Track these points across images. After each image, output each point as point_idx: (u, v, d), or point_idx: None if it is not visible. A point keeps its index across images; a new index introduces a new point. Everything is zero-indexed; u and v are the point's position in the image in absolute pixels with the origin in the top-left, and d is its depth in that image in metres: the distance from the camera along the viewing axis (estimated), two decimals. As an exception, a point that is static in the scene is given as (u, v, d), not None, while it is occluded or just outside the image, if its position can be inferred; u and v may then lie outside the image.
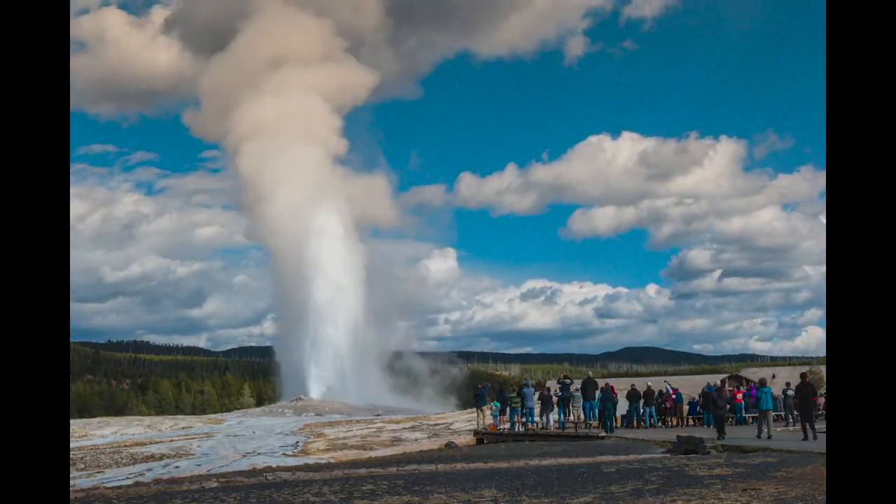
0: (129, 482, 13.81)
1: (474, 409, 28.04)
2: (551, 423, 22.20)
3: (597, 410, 21.26)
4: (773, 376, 26.92)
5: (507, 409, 23.16)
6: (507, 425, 23.10)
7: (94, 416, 60.30)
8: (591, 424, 20.75)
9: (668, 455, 13.70)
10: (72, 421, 40.06)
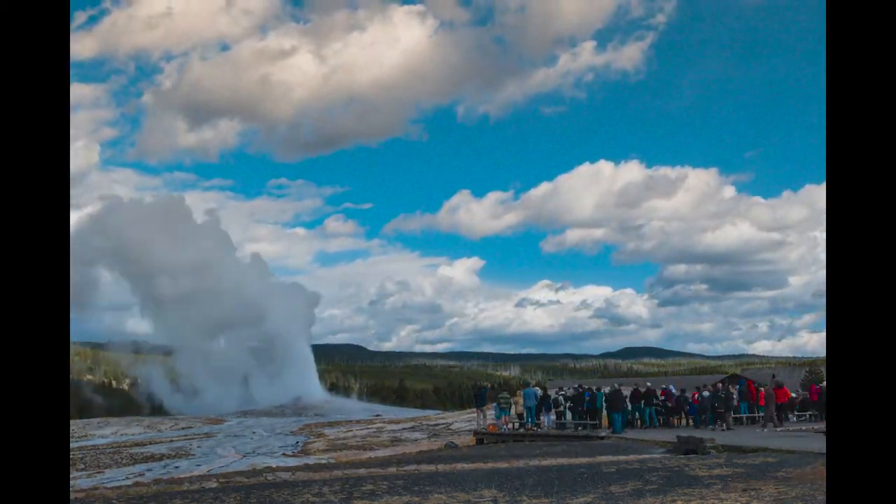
0: (129, 482, 13.80)
1: (473, 409, 28.07)
2: (550, 423, 22.20)
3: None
4: (773, 376, 26.85)
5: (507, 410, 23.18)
6: (510, 425, 23.12)
7: (94, 417, 60.35)
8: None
9: (668, 455, 13.70)
10: (72, 421, 40.09)
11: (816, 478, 9.13)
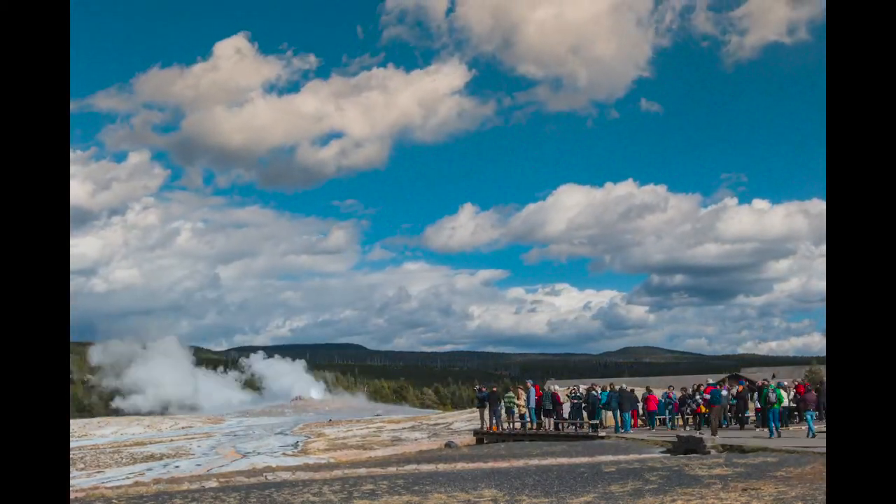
0: (129, 482, 13.80)
1: (474, 409, 28.09)
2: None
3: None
4: (773, 376, 26.89)
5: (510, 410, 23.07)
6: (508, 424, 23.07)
7: (94, 416, 60.31)
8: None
9: (668, 455, 13.70)
10: (72, 421, 39.99)
11: (816, 478, 9.13)
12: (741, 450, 13.71)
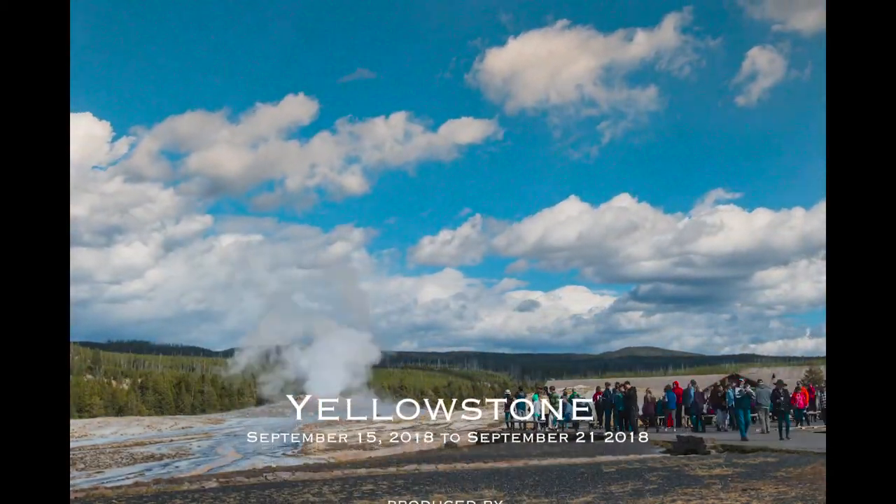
0: (129, 482, 13.81)
1: (476, 409, 28.18)
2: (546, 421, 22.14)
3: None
4: (773, 376, 26.88)
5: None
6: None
7: (94, 416, 60.28)
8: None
9: (668, 455, 13.70)
10: (72, 421, 39.96)
11: (816, 478, 9.13)
12: (741, 450, 13.72)
